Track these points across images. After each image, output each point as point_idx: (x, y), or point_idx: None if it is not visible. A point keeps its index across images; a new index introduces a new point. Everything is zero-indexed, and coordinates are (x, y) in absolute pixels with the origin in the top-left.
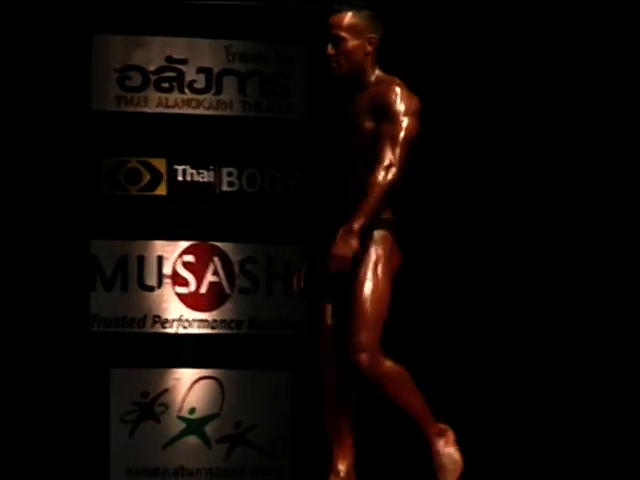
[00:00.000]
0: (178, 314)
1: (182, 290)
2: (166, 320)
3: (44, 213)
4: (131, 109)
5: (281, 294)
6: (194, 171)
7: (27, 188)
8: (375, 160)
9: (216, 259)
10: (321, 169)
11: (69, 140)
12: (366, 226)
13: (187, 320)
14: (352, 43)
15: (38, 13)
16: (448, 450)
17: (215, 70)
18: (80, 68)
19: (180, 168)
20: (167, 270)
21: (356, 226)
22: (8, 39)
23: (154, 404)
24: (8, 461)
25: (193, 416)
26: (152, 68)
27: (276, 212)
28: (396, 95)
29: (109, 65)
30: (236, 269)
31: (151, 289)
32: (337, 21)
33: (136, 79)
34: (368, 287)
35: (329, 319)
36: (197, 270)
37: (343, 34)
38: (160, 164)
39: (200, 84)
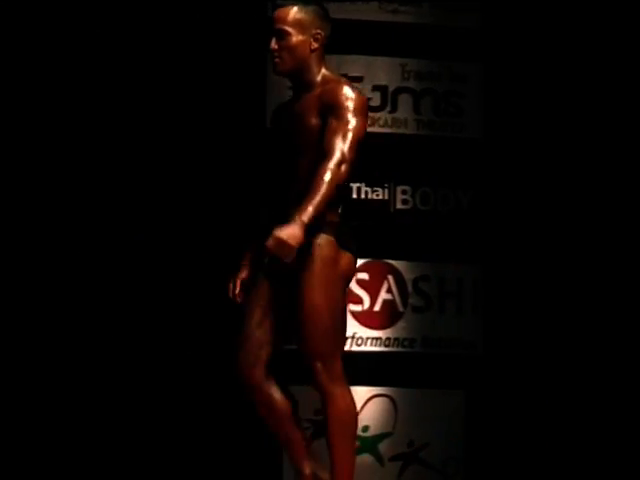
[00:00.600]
0: (352, 331)
1: (356, 308)
2: None
3: (224, 230)
4: None
5: (453, 313)
6: (368, 189)
7: (203, 206)
8: (325, 155)
9: (390, 277)
10: (496, 188)
11: (245, 158)
12: (313, 221)
13: (361, 338)
14: (297, 38)
15: (214, 33)
16: None
17: (390, 88)
18: (256, 87)
19: (355, 186)
20: None
21: (305, 218)
22: (187, 59)
23: None
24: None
25: (366, 434)
26: None
27: (449, 231)
28: (346, 93)
29: (284, 84)
30: (409, 287)
31: None
32: (282, 15)
33: None
34: (315, 294)
35: (255, 326)
36: (371, 288)
37: (287, 28)
38: None
39: (375, 102)
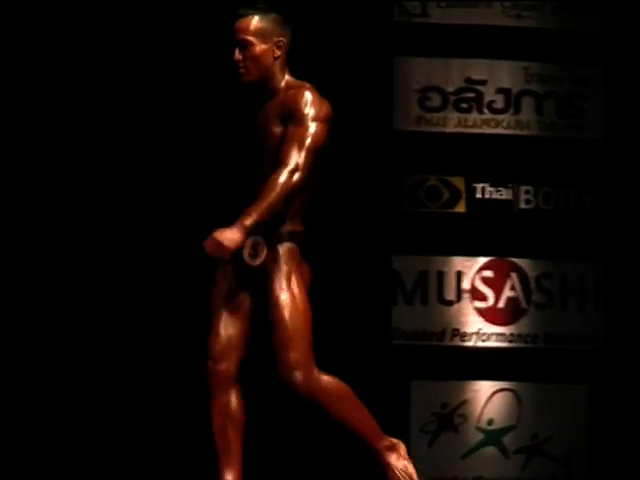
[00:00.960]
0: (476, 328)
1: (480, 304)
2: (465, 333)
3: (347, 229)
4: (431, 129)
5: (576, 309)
6: (492, 189)
7: (330, 207)
8: (280, 162)
9: (514, 275)
10: (618, 187)
11: (372, 159)
12: (254, 225)
13: (485, 334)
14: (260, 48)
15: (343, 37)
16: (401, 463)
17: (514, 91)
18: (383, 90)
19: (479, 186)
20: (466, 285)
21: (247, 222)
22: (313, 63)
23: (453, 415)
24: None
25: (491, 427)
26: (451, 89)
27: (571, 229)
28: (306, 99)
29: (410, 86)
30: (532, 284)
31: (450, 303)
32: (243, 26)
33: (436, 100)
34: (286, 303)
35: (223, 331)
36: (495, 285)
37: (250, 39)
38: (459, 182)
39: (499, 104)
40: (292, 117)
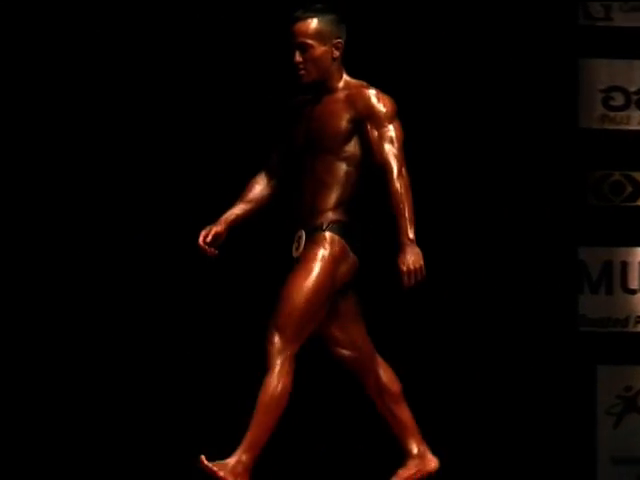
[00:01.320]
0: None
1: None
2: None
3: (536, 222)
4: (614, 127)
5: None
6: None
7: (521, 201)
8: (384, 167)
9: None
10: None
11: (558, 155)
12: (415, 234)
13: None
14: (319, 49)
15: (532, 41)
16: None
17: None
18: (568, 90)
19: None
20: None
21: (412, 235)
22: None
23: (637, 397)
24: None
25: None
26: (634, 89)
27: None
28: (377, 99)
29: (594, 87)
30: None
31: (633, 292)
32: (302, 29)
33: (619, 99)
34: (302, 277)
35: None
36: None
37: (310, 41)
38: None
39: None
40: (369, 117)
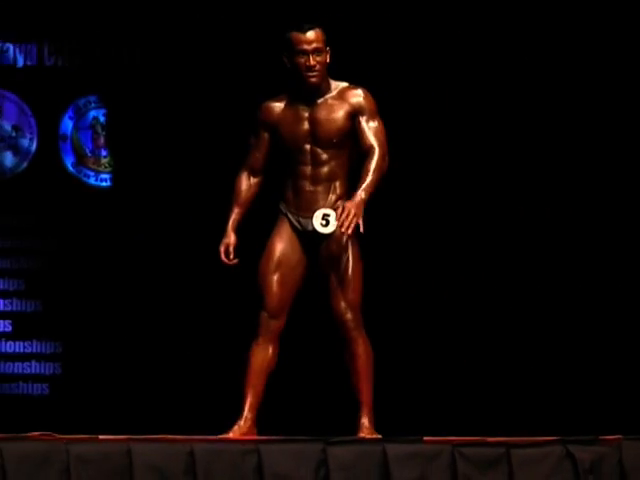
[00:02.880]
0: None
1: None
2: None
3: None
4: None
5: None
6: None
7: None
8: (371, 148)
9: None
10: None
11: None
12: (369, 199)
13: None
14: (326, 55)
15: None
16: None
17: None
18: None
19: None
20: None
21: (364, 196)
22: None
23: None
24: None
25: None
26: None
27: None
28: (368, 97)
29: None
30: None
31: None
32: (316, 36)
33: None
34: (353, 256)
35: (280, 291)
36: None
37: (322, 46)
38: None
39: None
40: (361, 112)
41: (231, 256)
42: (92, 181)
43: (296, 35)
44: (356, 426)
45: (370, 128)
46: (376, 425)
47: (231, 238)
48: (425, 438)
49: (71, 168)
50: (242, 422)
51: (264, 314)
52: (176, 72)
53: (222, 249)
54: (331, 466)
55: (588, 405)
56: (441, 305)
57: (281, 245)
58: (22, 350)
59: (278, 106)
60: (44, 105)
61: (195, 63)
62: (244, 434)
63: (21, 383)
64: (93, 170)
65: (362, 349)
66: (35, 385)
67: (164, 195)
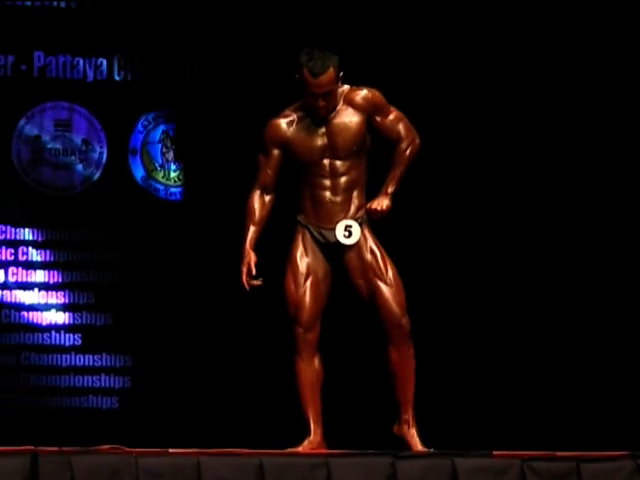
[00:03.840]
0: None
1: None
2: None
3: None
4: None
5: None
6: None
7: None
8: (401, 140)
9: None
10: None
11: None
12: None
13: None
14: (337, 91)
15: None
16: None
17: None
18: None
19: None
20: None
21: (390, 190)
22: None
23: None
24: None
25: None
26: None
27: None
28: (373, 93)
29: None
30: None
31: None
32: (325, 81)
33: None
34: (389, 264)
35: (312, 304)
36: None
37: (333, 88)
38: None
39: None
40: (374, 111)
41: (253, 273)
42: (162, 195)
43: (307, 76)
44: (399, 430)
45: (390, 121)
46: (439, 438)
47: (251, 256)
48: (494, 452)
49: (141, 182)
50: (312, 437)
51: (299, 329)
52: (243, 85)
53: (244, 269)
54: None
55: None
56: (511, 314)
57: (306, 258)
58: (92, 363)
59: (288, 122)
60: (114, 119)
61: (263, 74)
62: (314, 449)
63: (91, 396)
64: (162, 184)
65: (412, 352)
66: (105, 398)
67: (234, 208)
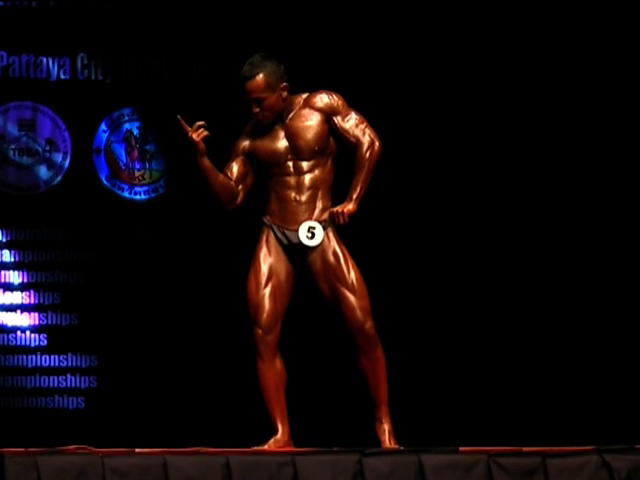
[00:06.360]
0: None
1: None
2: None
3: None
4: None
5: None
6: None
7: None
8: (358, 144)
9: None
10: None
11: None
12: (362, 197)
13: None
14: (271, 98)
15: None
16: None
17: None
18: None
19: None
20: None
21: (355, 195)
22: None
23: None
24: None
25: None
26: None
27: None
28: (333, 96)
29: None
30: None
31: None
32: (254, 86)
33: None
34: (352, 265)
35: (271, 305)
36: None
37: (262, 95)
38: None
39: None
40: (333, 113)
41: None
42: (126, 194)
43: (241, 81)
44: (374, 428)
45: (349, 123)
46: (407, 435)
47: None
48: (461, 448)
49: (105, 181)
50: (279, 435)
51: (259, 331)
52: (209, 84)
53: (189, 133)
54: (367, 477)
55: (624, 414)
56: (477, 311)
57: (269, 259)
58: (57, 364)
59: (247, 133)
60: (78, 118)
61: (227, 71)
62: (281, 447)
63: (57, 397)
64: (127, 183)
65: (381, 353)
66: (71, 399)
67: (197, 208)
